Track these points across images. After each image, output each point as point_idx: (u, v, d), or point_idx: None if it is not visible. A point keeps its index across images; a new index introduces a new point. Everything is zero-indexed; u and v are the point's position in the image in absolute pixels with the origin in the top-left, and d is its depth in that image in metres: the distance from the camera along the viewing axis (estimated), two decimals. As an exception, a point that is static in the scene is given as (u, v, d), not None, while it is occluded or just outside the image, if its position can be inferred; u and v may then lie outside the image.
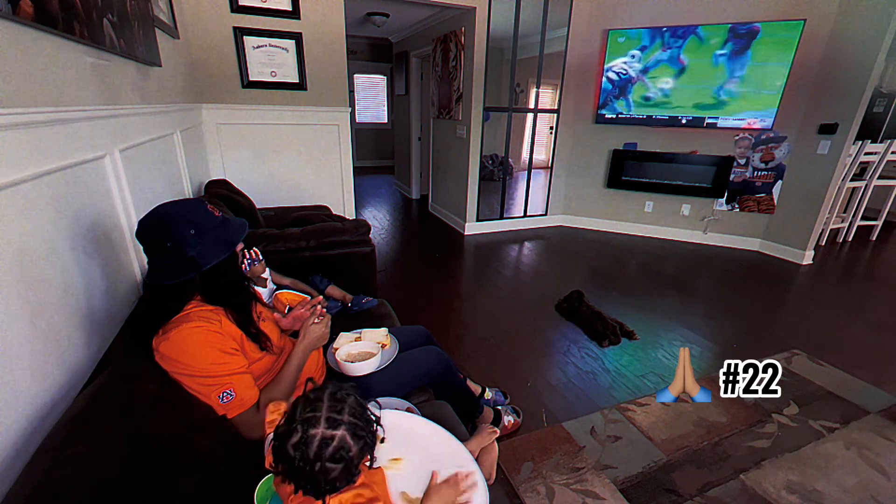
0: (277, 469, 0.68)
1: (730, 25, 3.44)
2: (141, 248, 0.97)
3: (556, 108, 4.28)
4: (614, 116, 4.11)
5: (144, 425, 0.80)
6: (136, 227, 0.96)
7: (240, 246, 1.09)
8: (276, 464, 0.68)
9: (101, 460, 0.69)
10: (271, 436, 0.70)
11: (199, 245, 0.95)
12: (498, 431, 1.02)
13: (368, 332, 1.41)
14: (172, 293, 0.97)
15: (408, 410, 1.11)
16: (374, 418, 0.73)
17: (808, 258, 3.69)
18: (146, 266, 1.00)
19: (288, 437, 0.66)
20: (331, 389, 0.70)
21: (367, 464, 0.76)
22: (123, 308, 1.24)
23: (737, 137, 3.79)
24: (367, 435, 0.70)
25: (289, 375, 1.11)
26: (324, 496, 0.69)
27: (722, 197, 3.99)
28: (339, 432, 0.66)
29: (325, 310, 1.26)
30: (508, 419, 1.69)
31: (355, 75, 7.74)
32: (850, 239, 4.41)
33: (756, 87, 3.51)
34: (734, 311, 2.85)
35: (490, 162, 4.32)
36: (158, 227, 0.94)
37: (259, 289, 1.59)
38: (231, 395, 0.96)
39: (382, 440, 0.74)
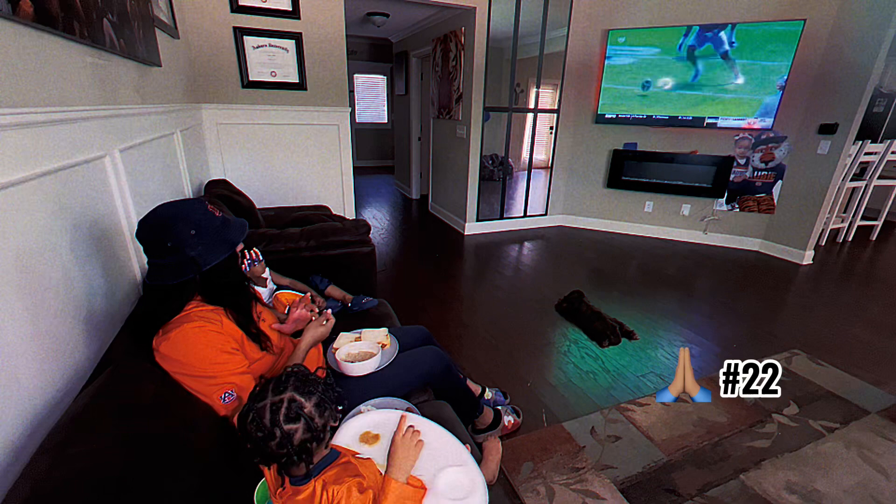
0: (253, 456, 0.69)
1: (731, 25, 3.45)
2: (141, 248, 0.97)
3: (556, 108, 4.28)
4: (614, 116, 4.11)
5: (144, 425, 0.80)
6: (136, 228, 0.96)
7: (240, 246, 1.09)
8: (246, 448, 0.69)
9: (101, 460, 0.69)
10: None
11: (200, 245, 0.95)
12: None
13: (368, 332, 1.41)
14: (173, 293, 0.97)
15: (408, 410, 1.11)
16: (322, 379, 0.74)
17: (808, 258, 3.69)
18: (146, 266, 1.00)
19: (244, 419, 0.68)
20: (275, 377, 0.73)
21: (358, 456, 0.76)
22: (123, 308, 1.24)
23: (737, 137, 3.79)
24: (319, 391, 0.71)
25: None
26: (308, 471, 0.70)
27: (722, 197, 3.99)
28: (287, 394, 0.68)
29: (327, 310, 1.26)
30: (508, 419, 1.69)
31: (355, 75, 7.74)
32: (850, 239, 4.41)
33: (756, 87, 3.51)
34: (734, 311, 2.85)
35: (490, 162, 4.32)
36: (158, 228, 0.94)
37: (259, 289, 1.59)
38: (233, 396, 0.96)
39: (343, 403, 0.76)
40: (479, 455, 1.14)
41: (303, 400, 0.69)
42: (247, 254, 1.57)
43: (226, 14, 2.78)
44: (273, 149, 3.21)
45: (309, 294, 1.32)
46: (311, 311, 1.29)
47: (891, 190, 4.38)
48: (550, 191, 4.61)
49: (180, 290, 0.97)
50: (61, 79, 1.02)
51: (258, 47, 2.92)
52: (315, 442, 0.70)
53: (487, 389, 1.80)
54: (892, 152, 4.06)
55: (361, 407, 1.11)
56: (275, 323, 1.24)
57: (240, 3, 2.77)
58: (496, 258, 3.77)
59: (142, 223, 0.94)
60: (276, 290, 1.69)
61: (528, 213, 4.61)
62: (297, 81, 3.10)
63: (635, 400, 1.91)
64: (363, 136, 8.31)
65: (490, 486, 0.92)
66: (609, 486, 1.46)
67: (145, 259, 0.99)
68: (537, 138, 4.33)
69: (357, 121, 8.15)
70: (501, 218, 4.50)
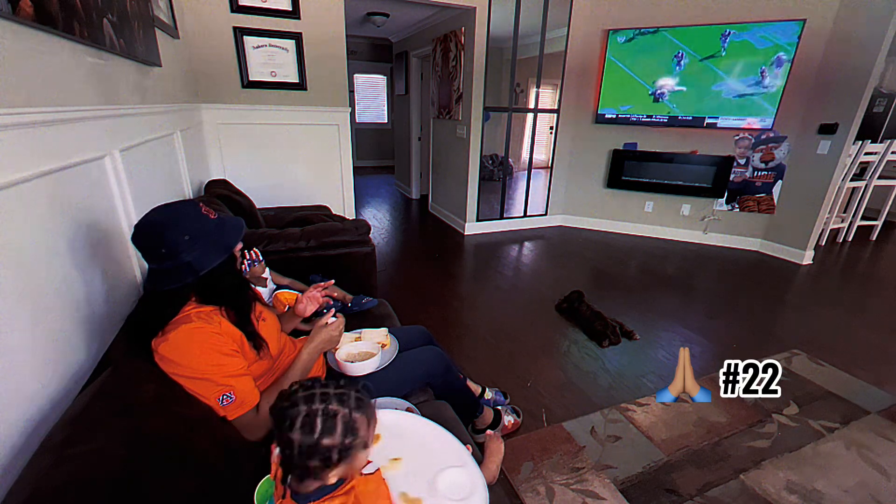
0: (281, 460, 0.66)
1: (729, 26, 3.45)
2: (141, 250, 0.96)
3: (556, 108, 4.28)
4: (614, 116, 4.11)
5: (144, 425, 0.80)
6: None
7: (238, 247, 1.07)
8: (280, 446, 0.65)
9: (101, 460, 0.69)
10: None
11: (195, 250, 0.93)
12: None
13: (368, 332, 1.41)
14: (167, 298, 0.95)
15: (408, 410, 1.11)
16: (368, 398, 0.72)
17: (808, 258, 3.69)
18: (146, 268, 0.99)
19: (293, 415, 0.62)
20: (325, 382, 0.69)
21: (365, 470, 0.74)
22: (123, 308, 1.24)
23: (737, 137, 3.79)
24: (368, 409, 0.68)
25: (292, 378, 1.10)
26: (308, 494, 0.68)
27: (722, 197, 3.99)
28: (344, 409, 0.65)
29: (334, 310, 1.25)
30: (508, 419, 1.69)
31: (355, 75, 7.74)
32: (850, 239, 4.41)
33: (756, 87, 3.51)
34: (734, 311, 2.85)
35: (490, 162, 4.32)
36: (151, 235, 0.92)
37: (259, 289, 1.59)
38: (231, 398, 0.95)
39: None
40: (480, 455, 1.14)
41: (357, 416, 0.66)
42: (246, 254, 1.57)
43: (226, 14, 2.78)
44: (273, 149, 3.21)
45: (331, 283, 1.35)
46: (327, 297, 1.32)
47: (891, 190, 4.38)
48: (550, 191, 4.61)
49: (175, 294, 0.96)
50: (61, 79, 1.02)
51: (258, 47, 2.92)
52: (345, 455, 0.66)
53: (487, 389, 1.81)
54: (892, 152, 4.06)
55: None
56: (276, 323, 1.23)
57: (240, 3, 2.77)
58: (496, 258, 3.77)
59: (136, 229, 0.93)
60: (276, 289, 1.69)
61: (528, 213, 4.61)
62: (297, 81, 3.10)
63: (635, 400, 1.91)
64: (363, 136, 8.31)
65: (490, 487, 0.92)
66: (609, 486, 1.46)
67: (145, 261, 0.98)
68: (537, 138, 4.33)
69: (357, 121, 8.16)
70: (501, 218, 4.50)
